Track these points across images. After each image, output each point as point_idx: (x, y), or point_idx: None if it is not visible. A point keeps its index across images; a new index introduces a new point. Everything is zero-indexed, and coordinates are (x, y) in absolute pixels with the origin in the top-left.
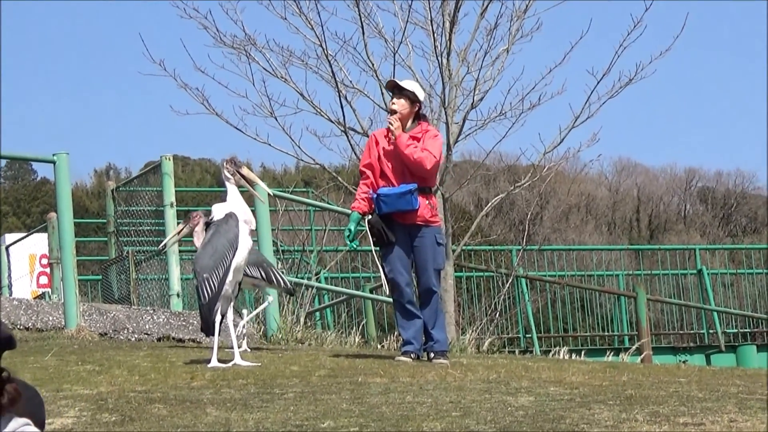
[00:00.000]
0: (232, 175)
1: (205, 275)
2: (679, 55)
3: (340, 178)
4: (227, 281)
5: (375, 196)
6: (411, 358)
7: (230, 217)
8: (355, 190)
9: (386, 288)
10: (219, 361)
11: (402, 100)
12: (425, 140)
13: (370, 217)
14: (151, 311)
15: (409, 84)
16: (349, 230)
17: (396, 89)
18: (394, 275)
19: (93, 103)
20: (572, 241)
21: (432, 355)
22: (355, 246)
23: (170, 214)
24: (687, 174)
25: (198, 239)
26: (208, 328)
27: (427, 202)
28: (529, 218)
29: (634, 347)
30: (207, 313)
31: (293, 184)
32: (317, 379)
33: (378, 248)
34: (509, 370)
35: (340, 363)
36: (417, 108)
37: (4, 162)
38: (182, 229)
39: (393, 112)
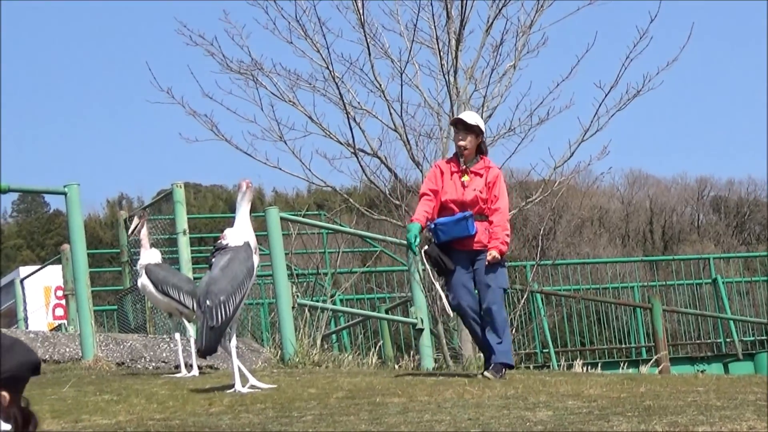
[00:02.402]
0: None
1: (222, 298)
2: (686, 65)
3: (351, 200)
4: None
5: (433, 226)
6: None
7: (248, 245)
8: (368, 212)
9: (448, 310)
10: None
11: (470, 137)
12: (496, 192)
13: (427, 247)
14: (168, 339)
15: (473, 118)
16: (415, 236)
17: (461, 125)
18: (458, 301)
19: (103, 134)
20: (586, 254)
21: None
22: (416, 253)
23: (183, 242)
24: (699, 183)
25: (145, 242)
26: (210, 351)
27: (484, 227)
28: (543, 233)
29: (652, 360)
30: (217, 335)
31: (305, 207)
32: (335, 401)
33: (440, 276)
34: (527, 385)
35: (358, 384)
36: (480, 140)
37: (16, 195)
38: (138, 224)
39: (464, 148)
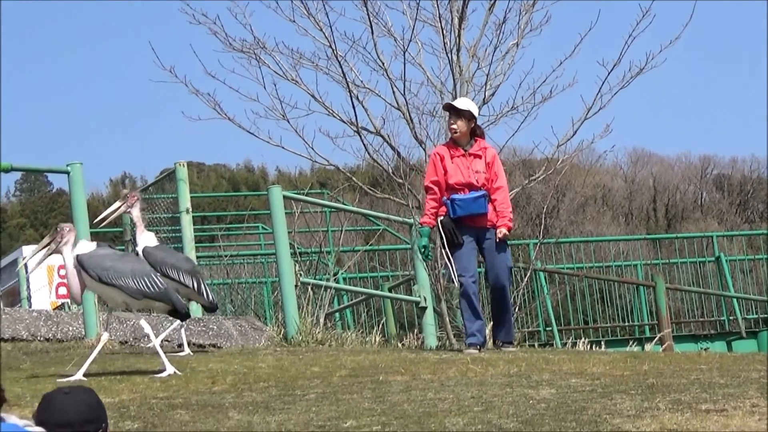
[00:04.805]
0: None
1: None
2: (689, 43)
3: (354, 179)
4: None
5: (448, 201)
6: (477, 349)
7: None
8: (371, 190)
9: (453, 283)
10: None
11: (461, 121)
12: (496, 169)
13: (442, 218)
14: (171, 318)
15: (464, 103)
16: (425, 246)
17: (452, 110)
18: (462, 273)
19: (106, 113)
20: (590, 232)
21: (500, 344)
22: (430, 258)
23: (186, 221)
24: (702, 162)
25: (140, 224)
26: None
27: (491, 206)
28: (546, 211)
29: (656, 339)
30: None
31: (308, 185)
32: (338, 380)
33: (447, 248)
34: (530, 363)
35: (361, 362)
36: (473, 124)
37: (19, 174)
38: (120, 207)
39: (454, 131)
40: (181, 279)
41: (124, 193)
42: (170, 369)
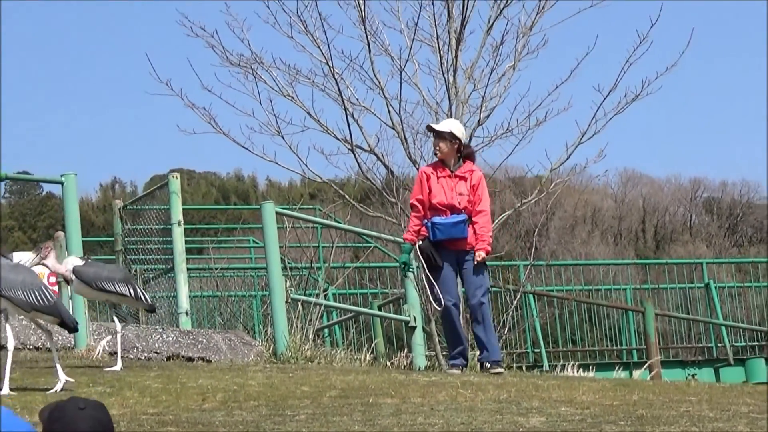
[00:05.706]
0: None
1: None
2: (682, 67)
3: (346, 196)
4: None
5: (429, 224)
6: (460, 370)
7: None
8: (363, 208)
9: (434, 306)
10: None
11: (442, 143)
12: (480, 192)
13: (420, 242)
14: (161, 330)
15: (444, 125)
16: (405, 263)
17: (434, 132)
18: (443, 296)
19: (99, 121)
20: (579, 253)
21: (488, 365)
22: (411, 272)
23: (178, 233)
24: (692, 184)
25: (59, 269)
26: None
27: (472, 230)
28: (536, 233)
29: (645, 366)
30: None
31: (300, 199)
32: (328, 400)
33: (427, 271)
34: (520, 389)
35: (351, 383)
36: (458, 145)
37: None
38: (33, 259)
39: (434, 153)
40: (118, 289)
41: (38, 246)
42: (5, 390)
